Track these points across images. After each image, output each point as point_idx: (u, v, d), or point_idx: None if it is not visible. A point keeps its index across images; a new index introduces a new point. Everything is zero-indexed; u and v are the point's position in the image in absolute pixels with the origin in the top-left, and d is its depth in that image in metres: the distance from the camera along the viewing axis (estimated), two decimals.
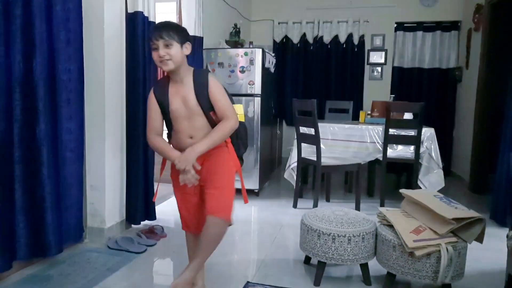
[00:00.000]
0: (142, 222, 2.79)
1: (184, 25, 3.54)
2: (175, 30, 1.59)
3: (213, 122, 1.67)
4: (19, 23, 1.89)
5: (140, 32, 2.66)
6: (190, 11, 3.55)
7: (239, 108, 1.77)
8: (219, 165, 1.67)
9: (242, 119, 1.78)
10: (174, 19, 3.73)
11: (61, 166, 2.19)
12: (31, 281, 1.96)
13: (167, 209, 3.30)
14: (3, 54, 1.81)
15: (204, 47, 3.77)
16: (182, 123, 1.67)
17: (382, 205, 3.42)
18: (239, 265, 2.31)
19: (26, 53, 1.94)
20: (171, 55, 1.57)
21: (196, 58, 3.63)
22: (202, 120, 1.66)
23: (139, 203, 2.72)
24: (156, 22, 2.88)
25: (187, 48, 1.63)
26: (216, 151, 1.68)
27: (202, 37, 3.72)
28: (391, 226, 1.93)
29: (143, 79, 2.69)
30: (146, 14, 2.72)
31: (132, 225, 2.81)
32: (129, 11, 2.66)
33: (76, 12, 2.23)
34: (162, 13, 3.64)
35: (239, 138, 1.79)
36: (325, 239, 1.94)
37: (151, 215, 2.84)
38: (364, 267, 2.02)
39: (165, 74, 1.70)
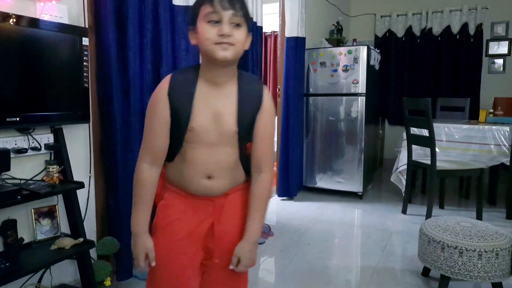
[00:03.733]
0: None
1: (287, 26, 3.56)
2: (247, 8, 0.97)
3: (243, 158, 1.07)
4: (149, 36, 2.10)
5: (253, 39, 2.76)
6: (293, 12, 3.55)
7: None
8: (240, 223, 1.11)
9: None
10: (276, 20, 3.76)
11: None
12: None
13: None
14: (138, 64, 2.02)
15: (305, 47, 3.76)
16: (200, 152, 1.01)
17: (508, 216, 3.02)
18: (348, 270, 2.24)
19: (155, 63, 2.15)
20: (237, 39, 0.93)
21: (299, 59, 3.64)
22: (233, 154, 1.04)
23: None
24: (263, 26, 2.99)
25: (248, 42, 0.99)
26: (234, 197, 1.10)
27: (305, 38, 3.71)
28: None
29: None
30: (254, 20, 2.81)
31: None
32: None
33: None
34: (265, 15, 3.72)
35: None
36: (451, 252, 1.77)
37: None
38: (497, 286, 1.80)
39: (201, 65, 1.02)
